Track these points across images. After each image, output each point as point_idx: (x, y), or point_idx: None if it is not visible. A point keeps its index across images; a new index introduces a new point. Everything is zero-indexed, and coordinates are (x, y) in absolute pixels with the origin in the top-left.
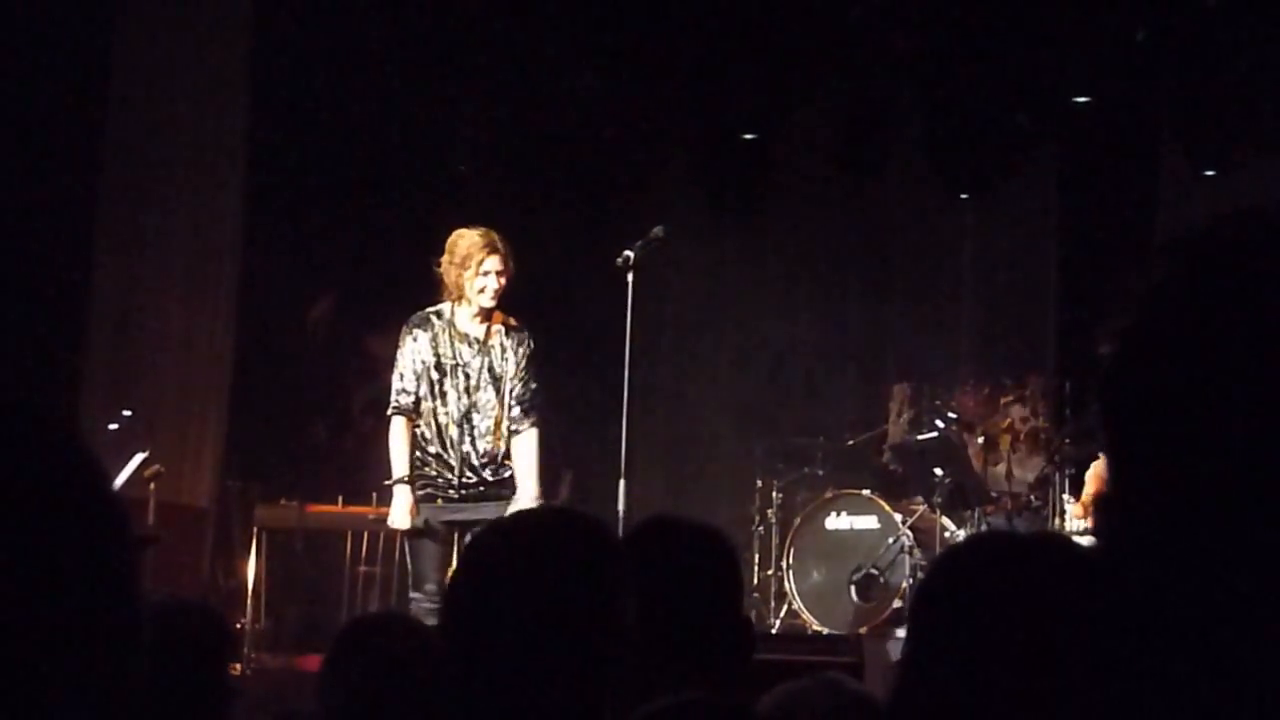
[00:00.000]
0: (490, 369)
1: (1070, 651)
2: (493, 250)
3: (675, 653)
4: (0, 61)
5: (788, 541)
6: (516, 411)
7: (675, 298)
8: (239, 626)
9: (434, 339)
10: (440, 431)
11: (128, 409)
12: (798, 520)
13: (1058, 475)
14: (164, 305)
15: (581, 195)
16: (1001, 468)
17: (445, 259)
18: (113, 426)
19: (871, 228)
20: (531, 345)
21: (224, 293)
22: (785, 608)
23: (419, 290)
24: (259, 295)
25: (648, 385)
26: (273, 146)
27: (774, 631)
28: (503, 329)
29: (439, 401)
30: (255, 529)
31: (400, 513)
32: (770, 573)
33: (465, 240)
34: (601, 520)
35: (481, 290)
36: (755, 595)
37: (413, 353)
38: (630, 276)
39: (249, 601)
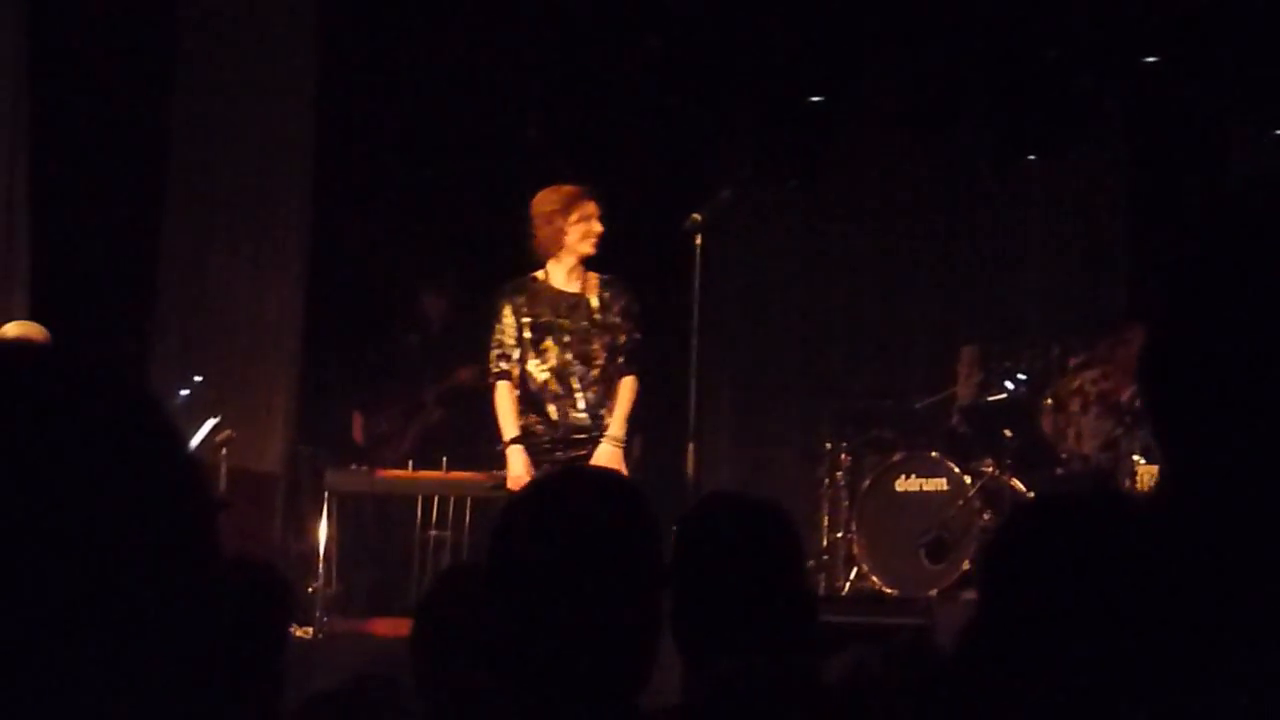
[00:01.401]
0: (592, 321)
1: (1137, 611)
2: (590, 196)
3: (740, 624)
4: (75, 43)
5: (857, 504)
6: (622, 360)
7: (742, 262)
8: (310, 590)
9: (530, 300)
10: (541, 390)
11: (199, 376)
12: (866, 483)
13: (1127, 437)
14: (234, 272)
15: (644, 160)
16: (1071, 430)
17: (541, 212)
18: (184, 393)
19: (938, 190)
20: (631, 295)
21: (293, 258)
22: (855, 571)
23: (488, 255)
24: (328, 261)
25: (715, 349)
26: (341, 113)
27: (844, 594)
28: (599, 283)
29: (539, 360)
30: (325, 494)
31: (518, 470)
32: (840, 535)
33: (560, 192)
34: (626, 481)
35: (585, 237)
36: (825, 558)
37: (509, 317)
38: (698, 239)
39: (320, 565)
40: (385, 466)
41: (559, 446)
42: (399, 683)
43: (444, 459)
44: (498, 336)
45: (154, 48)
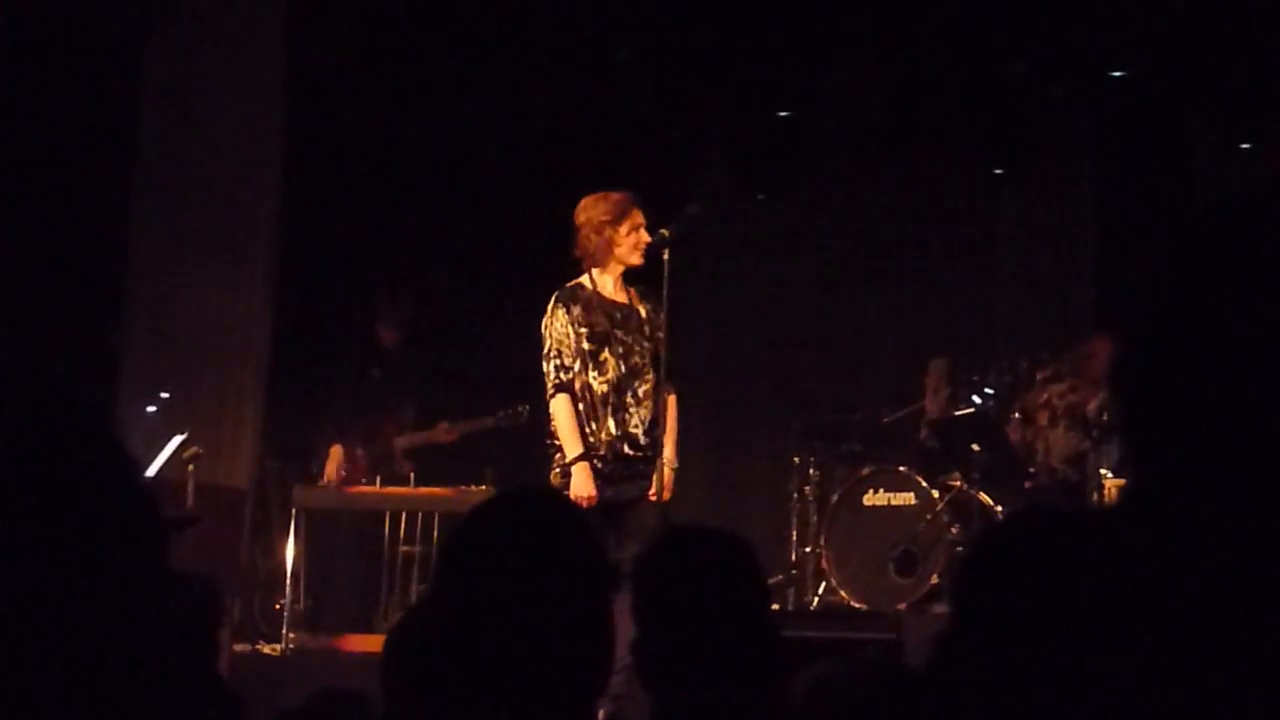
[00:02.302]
0: (643, 333)
1: (1107, 628)
2: (639, 204)
3: (704, 658)
4: (40, 48)
5: (825, 518)
6: (663, 372)
7: (711, 275)
8: (277, 607)
9: (585, 309)
10: (597, 404)
11: (166, 391)
12: (835, 497)
13: (1095, 451)
14: (201, 285)
15: (613, 172)
16: (1040, 443)
17: (591, 221)
18: (151, 409)
19: (908, 203)
20: (663, 307)
21: (262, 272)
22: (824, 585)
23: (460, 265)
24: (297, 274)
25: (684, 363)
26: (311, 123)
27: (813, 609)
28: (639, 294)
29: (596, 372)
30: (294, 510)
31: (584, 490)
32: (808, 550)
33: (610, 199)
34: (566, 499)
35: (636, 247)
36: (794, 572)
37: (565, 326)
38: (666, 254)
39: (288, 582)
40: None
41: (615, 463)
42: (367, 699)
43: (411, 474)
44: (555, 346)
45: (121, 58)
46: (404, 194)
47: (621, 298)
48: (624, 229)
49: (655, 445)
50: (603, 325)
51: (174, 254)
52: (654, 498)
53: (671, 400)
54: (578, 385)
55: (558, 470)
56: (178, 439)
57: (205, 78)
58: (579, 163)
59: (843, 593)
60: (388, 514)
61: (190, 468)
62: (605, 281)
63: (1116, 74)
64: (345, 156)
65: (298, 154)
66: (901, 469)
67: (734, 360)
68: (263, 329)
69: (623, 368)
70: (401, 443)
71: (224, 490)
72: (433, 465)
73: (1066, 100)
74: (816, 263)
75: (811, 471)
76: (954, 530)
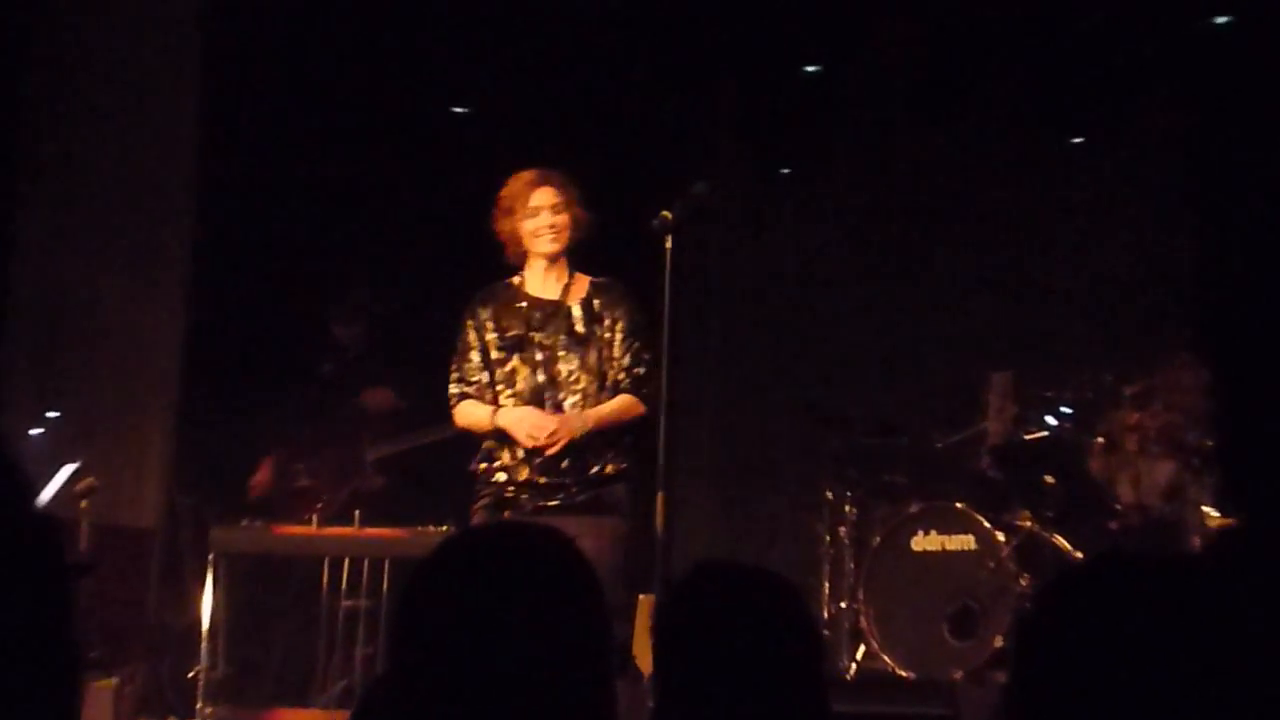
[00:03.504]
0: (571, 333)
1: (1206, 699)
2: (541, 183)
3: None
4: None
5: (865, 566)
6: (626, 383)
7: (721, 268)
8: (191, 675)
9: (498, 311)
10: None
11: (55, 410)
12: (877, 540)
13: (1195, 483)
14: (99, 286)
15: (606, 145)
16: (1127, 474)
17: (498, 210)
18: (36, 432)
19: (960, 180)
20: (634, 302)
21: (173, 277)
22: (863, 649)
23: (404, 271)
24: (214, 279)
25: (690, 375)
26: (230, 112)
27: (850, 678)
28: (590, 287)
29: (505, 385)
30: (211, 555)
31: (520, 420)
32: (844, 605)
33: (511, 183)
34: (560, 535)
35: (536, 233)
36: (827, 633)
37: (471, 333)
38: (669, 242)
39: (204, 643)
40: (288, 522)
41: (532, 495)
42: None
43: (356, 512)
44: (457, 360)
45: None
46: (343, 182)
47: (553, 293)
48: (521, 216)
49: (585, 480)
50: (517, 329)
51: (66, 247)
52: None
53: (627, 399)
54: (488, 398)
55: (482, 503)
56: (68, 469)
57: (106, 61)
58: (560, 132)
59: (886, 658)
60: (327, 560)
61: (84, 504)
62: (534, 276)
63: (1220, 20)
64: (271, 142)
65: (215, 139)
66: (958, 505)
67: (750, 370)
68: (173, 337)
69: (538, 378)
70: (373, 452)
71: (126, 532)
72: (379, 501)
73: (1153, 52)
74: (850, 251)
75: (847, 509)
76: (1022, 581)
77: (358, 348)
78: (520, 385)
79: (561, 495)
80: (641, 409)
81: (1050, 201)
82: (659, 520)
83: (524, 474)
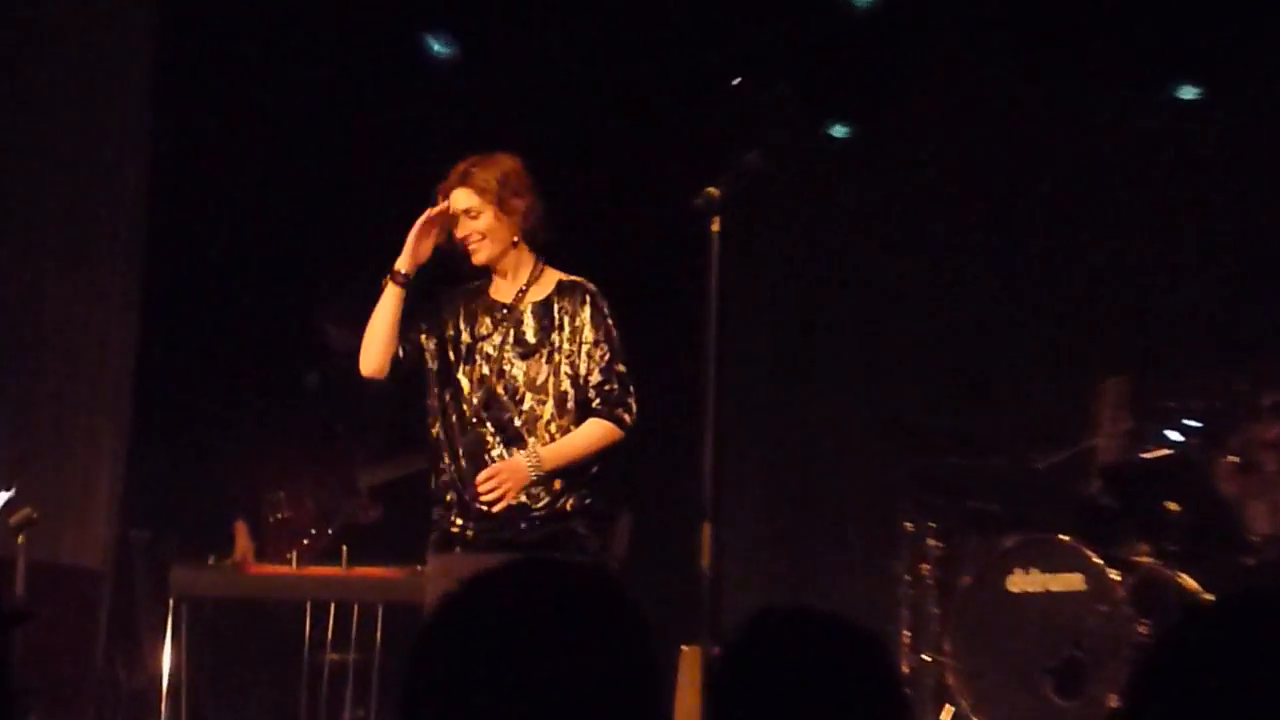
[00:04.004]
0: (519, 341)
1: None
2: (458, 183)
3: None
4: None
5: (953, 611)
6: (596, 401)
7: (776, 254)
8: None
9: (455, 315)
10: (452, 441)
11: None
12: (966, 580)
13: None
14: (40, 294)
15: (640, 112)
16: (1265, 501)
17: None
18: None
19: (1056, 141)
20: (600, 305)
21: (123, 277)
22: (951, 711)
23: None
24: (171, 276)
25: (741, 382)
26: (190, 83)
27: None
28: (555, 287)
29: (450, 399)
30: (171, 600)
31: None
32: (927, 658)
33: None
34: (604, 575)
35: (464, 242)
36: (906, 690)
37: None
38: (715, 225)
39: (164, 701)
40: (263, 560)
41: (477, 530)
42: None
43: (343, 548)
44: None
45: None
46: (312, 166)
47: (506, 296)
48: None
49: (535, 516)
50: (465, 337)
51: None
52: None
53: (598, 424)
54: (433, 411)
55: (432, 537)
56: (2, 497)
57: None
58: (584, 99)
59: (976, 719)
60: (309, 605)
61: (20, 539)
62: (499, 278)
63: None
64: (233, 124)
65: (170, 132)
66: (1063, 538)
67: (811, 378)
68: (124, 344)
69: (481, 392)
70: (368, 478)
71: (70, 572)
72: (372, 536)
73: None
74: (929, 236)
75: (930, 542)
76: (1141, 628)
77: (351, 353)
78: (464, 405)
79: (508, 532)
80: (617, 434)
81: (1171, 168)
82: (704, 558)
83: (470, 506)
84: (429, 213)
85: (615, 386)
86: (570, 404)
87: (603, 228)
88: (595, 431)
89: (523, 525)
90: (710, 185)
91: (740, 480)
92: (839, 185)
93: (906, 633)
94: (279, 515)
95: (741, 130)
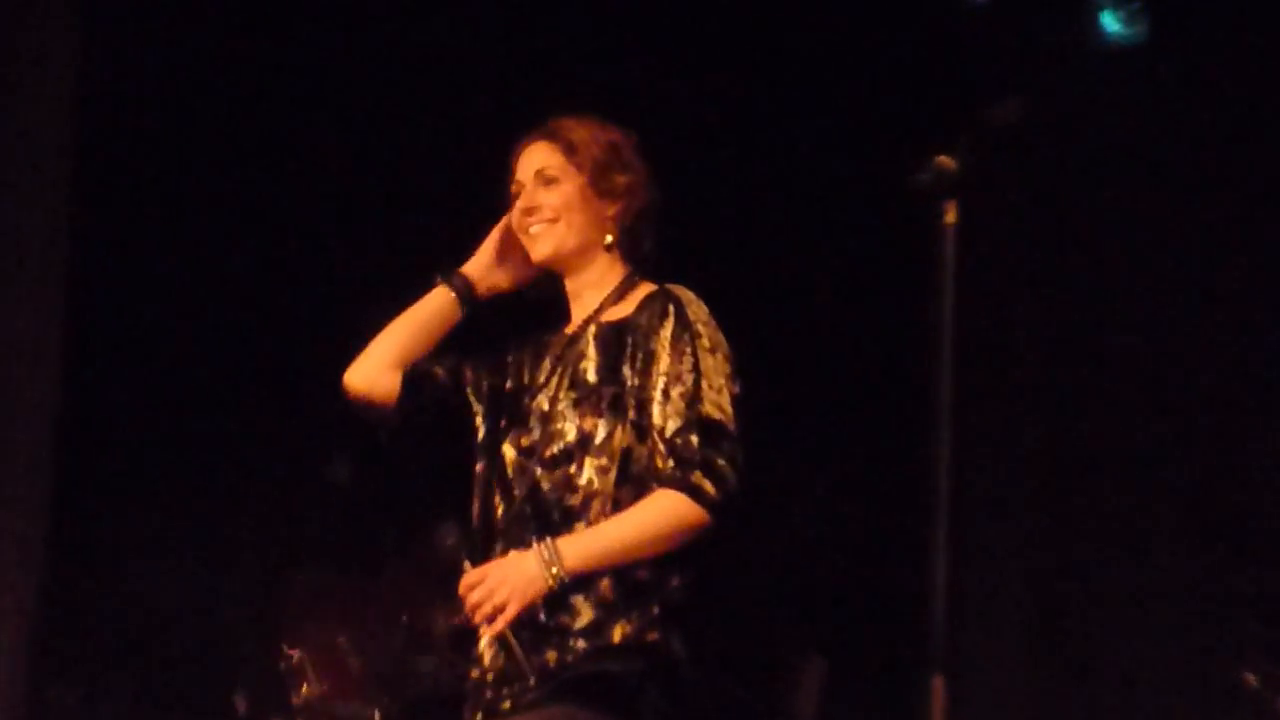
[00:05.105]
0: (576, 384)
1: None
2: (533, 138)
3: None
4: None
5: None
6: (667, 462)
7: (1045, 248)
8: None
9: (519, 364)
10: (489, 538)
11: None
12: None
13: None
14: None
15: (844, 55)
16: None
17: None
18: None
19: None
20: (689, 319)
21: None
22: None
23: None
24: (98, 310)
25: (986, 458)
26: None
27: None
28: (632, 306)
29: (493, 478)
30: None
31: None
32: None
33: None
34: None
35: (520, 226)
36: None
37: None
38: (950, 214)
39: None
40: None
41: (496, 683)
42: None
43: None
44: None
45: None
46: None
47: (573, 324)
48: (513, 204)
49: (583, 649)
50: (511, 383)
51: None
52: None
53: (672, 500)
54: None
55: None
56: None
57: None
58: (772, 42)
59: None
60: None
61: None
62: (573, 300)
63: None
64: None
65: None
66: None
67: (1091, 450)
68: (41, 422)
69: (524, 471)
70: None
71: None
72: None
73: None
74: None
75: None
76: None
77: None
78: (511, 485)
79: (510, 688)
80: (694, 514)
81: None
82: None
83: (478, 650)
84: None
85: (696, 440)
86: (636, 469)
87: (796, 211)
88: (656, 509)
89: (530, 681)
90: (941, 153)
91: (988, 609)
92: (1153, 146)
93: None
94: (304, 687)
95: (988, 64)
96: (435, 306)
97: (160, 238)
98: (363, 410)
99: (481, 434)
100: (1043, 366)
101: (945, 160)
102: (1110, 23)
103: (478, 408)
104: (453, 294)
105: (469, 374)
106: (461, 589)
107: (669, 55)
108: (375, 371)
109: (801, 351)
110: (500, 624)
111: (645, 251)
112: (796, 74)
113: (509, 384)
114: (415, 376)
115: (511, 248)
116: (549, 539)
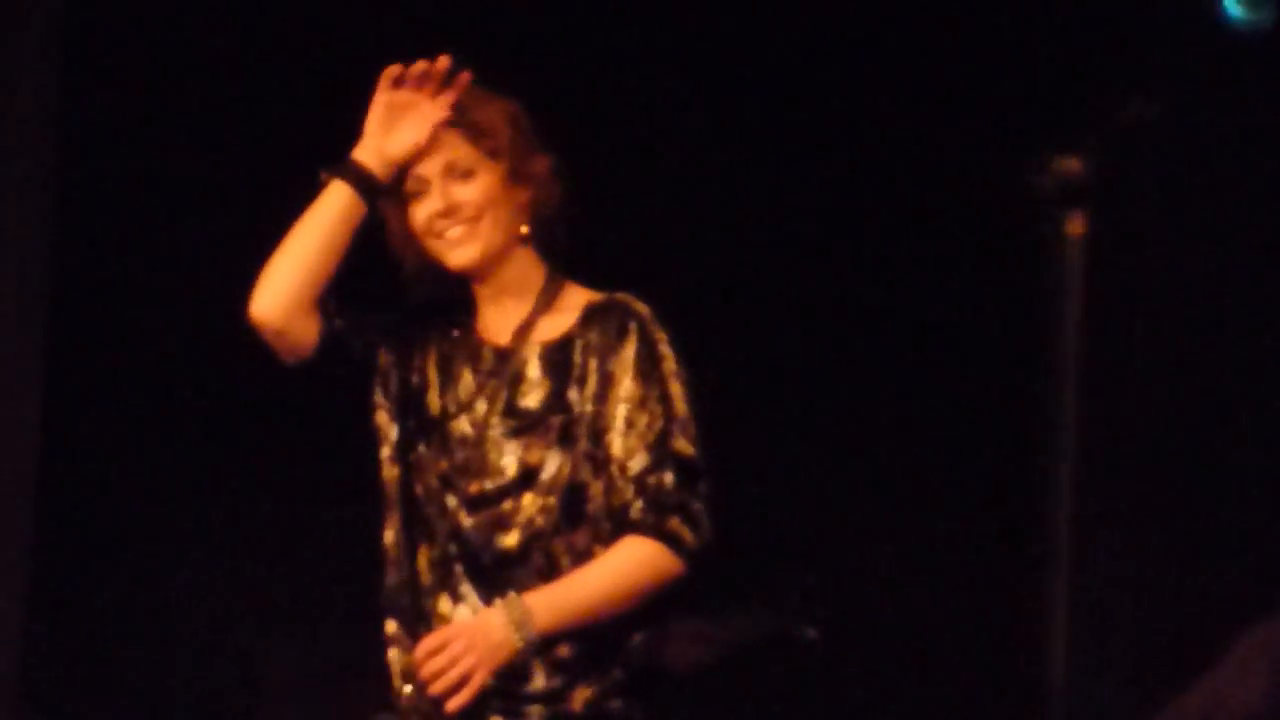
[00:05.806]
0: (512, 411)
1: None
2: (446, 114)
3: None
4: None
5: None
6: (635, 504)
7: (1181, 261)
8: None
9: (425, 359)
10: (414, 577)
11: None
12: None
13: None
14: None
15: (959, 53)
16: None
17: None
18: None
19: None
20: (655, 338)
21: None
22: None
23: None
24: (82, 331)
25: (1116, 462)
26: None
27: None
28: (572, 317)
29: (415, 491)
30: None
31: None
32: None
33: None
34: None
35: (428, 230)
36: None
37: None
38: (1072, 225)
39: None
40: None
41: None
42: None
43: None
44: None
45: None
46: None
47: (502, 335)
48: (410, 198)
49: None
50: (431, 400)
51: None
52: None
53: (634, 557)
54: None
55: None
56: None
57: None
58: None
59: None
60: None
61: None
62: (489, 303)
63: None
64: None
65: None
66: None
67: (1231, 477)
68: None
69: (454, 499)
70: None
71: None
72: None
73: None
74: None
75: None
76: None
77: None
78: (436, 514)
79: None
80: (668, 564)
81: None
82: None
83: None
84: (416, 68)
85: (671, 480)
86: (590, 506)
87: (895, 221)
88: (632, 561)
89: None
90: (1063, 153)
91: (1113, 669)
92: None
93: None
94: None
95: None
96: (335, 208)
97: (145, 237)
98: (271, 342)
99: (395, 436)
100: (1185, 385)
101: (1070, 163)
102: (1232, 6)
103: (385, 403)
104: (348, 186)
105: (381, 355)
106: (419, 654)
107: (768, 48)
108: (287, 305)
109: (902, 380)
110: (466, 696)
111: (560, 244)
112: (899, 67)
113: (415, 379)
114: (334, 342)
115: (399, 111)
116: (514, 595)
